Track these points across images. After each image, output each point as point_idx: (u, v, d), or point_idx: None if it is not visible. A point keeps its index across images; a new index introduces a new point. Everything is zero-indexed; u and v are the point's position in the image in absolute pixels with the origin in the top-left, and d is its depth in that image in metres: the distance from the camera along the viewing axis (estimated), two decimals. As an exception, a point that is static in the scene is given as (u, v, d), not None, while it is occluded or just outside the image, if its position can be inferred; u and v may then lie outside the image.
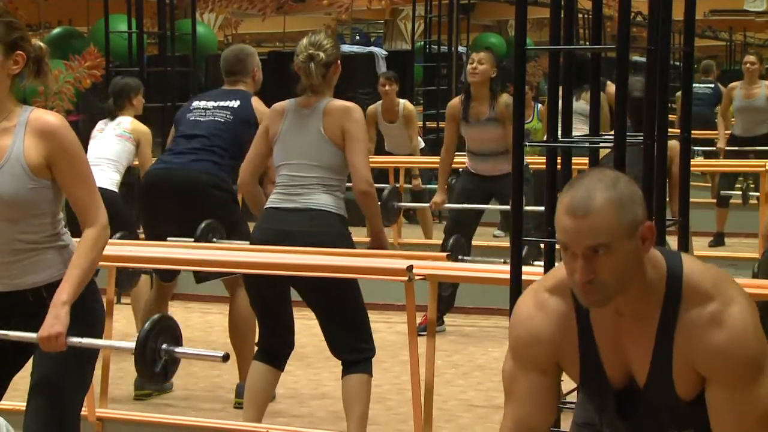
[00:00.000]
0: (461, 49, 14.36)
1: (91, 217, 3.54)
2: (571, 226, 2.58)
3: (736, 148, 10.96)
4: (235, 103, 5.99)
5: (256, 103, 6.00)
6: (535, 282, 2.93)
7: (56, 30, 14.61)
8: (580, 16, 15.09)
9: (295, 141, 4.94)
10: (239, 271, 5.35)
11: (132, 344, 3.61)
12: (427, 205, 9.84)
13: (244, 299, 5.87)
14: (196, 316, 8.09)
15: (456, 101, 7.72)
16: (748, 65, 10.90)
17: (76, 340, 3.48)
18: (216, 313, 7.85)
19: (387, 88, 10.46)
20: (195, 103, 6.18)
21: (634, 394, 2.78)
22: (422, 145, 11.03)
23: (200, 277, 6.08)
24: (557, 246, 2.75)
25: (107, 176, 6.94)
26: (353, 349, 4.90)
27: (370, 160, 5.23)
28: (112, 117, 7.18)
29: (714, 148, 11.45)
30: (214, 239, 5.86)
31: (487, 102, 7.41)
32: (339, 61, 5.02)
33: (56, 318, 3.43)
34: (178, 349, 3.63)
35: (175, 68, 9.76)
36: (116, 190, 6.95)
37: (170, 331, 3.65)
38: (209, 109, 6.04)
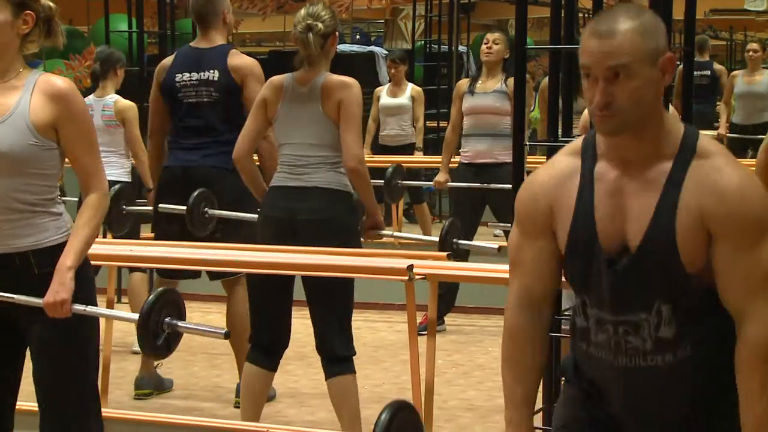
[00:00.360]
0: (462, 48, 14.35)
1: (93, 183, 3.57)
2: (595, 46, 2.61)
3: (735, 135, 10.97)
4: (215, 75, 5.92)
5: (233, 61, 5.91)
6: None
7: (56, 29, 14.60)
8: (581, 15, 15.05)
9: (296, 120, 4.94)
10: (241, 270, 5.34)
11: (136, 315, 3.62)
12: (424, 203, 9.87)
13: (242, 298, 5.86)
14: (197, 315, 8.08)
15: (463, 80, 7.77)
16: (750, 53, 10.97)
17: (80, 307, 3.50)
18: (216, 312, 7.84)
19: (393, 71, 10.50)
20: (178, 76, 6.04)
21: (626, 258, 2.71)
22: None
23: (213, 275, 6.06)
24: None
25: (116, 168, 6.98)
26: (344, 345, 4.91)
27: (366, 160, 5.22)
28: (97, 83, 7.25)
29: (715, 134, 11.40)
30: (207, 209, 5.84)
31: (498, 79, 7.45)
32: (337, 33, 5.00)
33: (62, 284, 3.44)
34: (180, 323, 3.65)
35: (176, 67, 9.74)
36: (129, 181, 6.99)
37: (174, 305, 3.66)
38: (194, 84, 5.97)
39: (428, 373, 4.81)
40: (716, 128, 11.93)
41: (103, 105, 7.18)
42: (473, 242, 6.29)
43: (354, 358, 4.96)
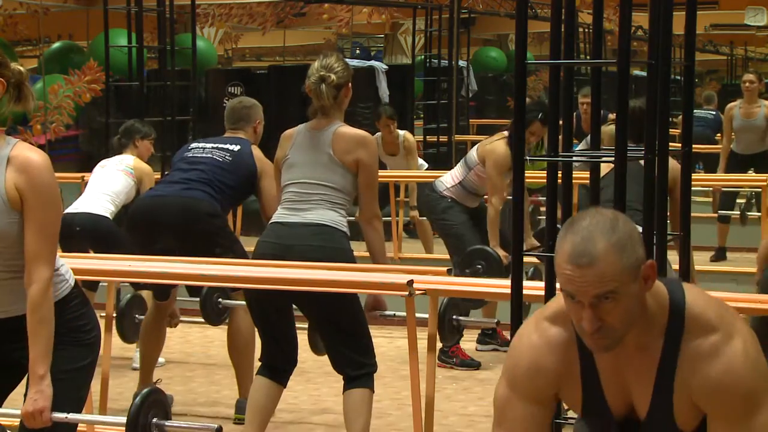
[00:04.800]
0: (461, 63, 14.36)
1: (35, 269, 3.38)
2: (576, 276, 2.56)
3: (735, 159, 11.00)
4: (235, 147, 5.95)
5: (257, 151, 5.97)
6: (536, 311, 2.91)
7: (56, 44, 14.62)
8: (581, 30, 15.12)
9: (304, 161, 4.96)
10: (240, 286, 5.34)
11: (123, 419, 3.59)
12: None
13: (243, 315, 5.86)
14: (196, 330, 8.06)
15: (508, 150, 6.88)
16: (747, 84, 10.87)
17: (61, 415, 3.42)
18: (216, 327, 7.82)
19: (391, 127, 10.29)
20: (193, 145, 6.16)
21: (635, 425, 2.77)
22: (426, 166, 10.92)
23: (193, 292, 6.08)
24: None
25: (102, 205, 6.98)
26: (354, 363, 4.88)
27: None
28: (115, 153, 7.29)
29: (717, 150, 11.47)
30: (220, 299, 5.94)
31: None
32: (350, 84, 5.02)
33: (39, 393, 3.38)
34: (168, 423, 3.62)
35: (175, 82, 9.76)
36: (110, 218, 6.96)
37: (160, 405, 3.63)
38: (207, 148, 6.00)
39: (428, 389, 4.80)
40: (717, 141, 12.04)
41: (122, 158, 7.20)
42: (471, 318, 6.22)
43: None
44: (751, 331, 2.71)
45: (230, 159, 5.91)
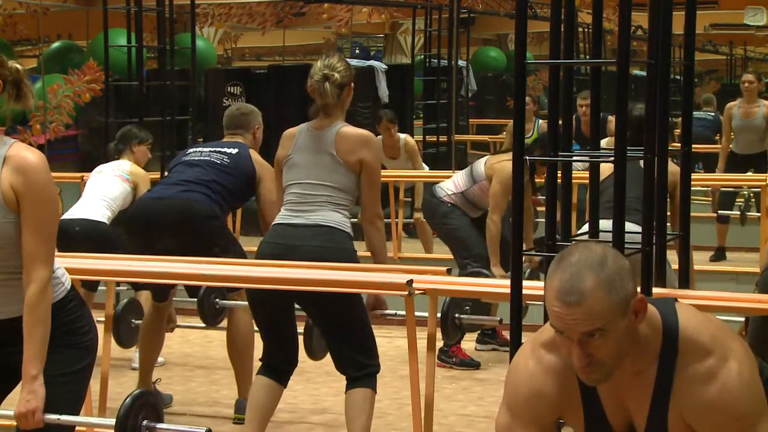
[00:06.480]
0: (461, 63, 14.35)
1: (33, 269, 3.37)
2: (565, 313, 2.57)
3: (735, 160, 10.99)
4: (234, 150, 5.96)
5: (255, 155, 5.98)
6: (530, 336, 2.91)
7: (56, 44, 14.60)
8: (580, 30, 15.10)
9: (307, 161, 4.97)
10: (240, 285, 5.34)
11: (112, 421, 3.57)
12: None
13: (242, 315, 5.87)
14: (196, 330, 8.06)
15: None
16: (746, 84, 10.85)
17: (53, 416, 3.40)
18: (215, 328, 7.82)
19: (392, 131, 10.27)
20: (191, 149, 6.19)
21: None
22: (426, 168, 10.90)
23: (192, 293, 6.07)
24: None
25: (99, 211, 6.96)
26: (357, 364, 4.88)
27: None
28: (112, 159, 7.26)
29: (716, 149, 11.47)
30: (217, 300, 5.93)
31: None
32: (352, 84, 5.04)
33: (32, 393, 3.36)
34: (159, 426, 3.60)
35: (175, 82, 9.75)
36: (107, 222, 6.95)
37: (151, 407, 3.61)
38: (205, 152, 6.02)
39: (428, 389, 4.79)
40: (717, 141, 12.04)
41: (119, 163, 7.18)
42: (474, 317, 6.23)
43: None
44: (746, 349, 2.71)
45: (228, 161, 5.91)
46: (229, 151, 5.96)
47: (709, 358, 2.64)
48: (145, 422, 3.55)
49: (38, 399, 3.37)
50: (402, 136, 10.38)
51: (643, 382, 2.70)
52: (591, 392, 2.76)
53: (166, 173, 6.31)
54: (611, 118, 7.79)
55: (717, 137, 12.66)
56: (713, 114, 13.32)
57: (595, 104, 4.41)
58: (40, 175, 3.38)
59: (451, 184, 7.48)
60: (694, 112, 4.66)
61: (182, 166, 6.02)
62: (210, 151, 6.01)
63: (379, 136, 10.23)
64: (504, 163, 7.17)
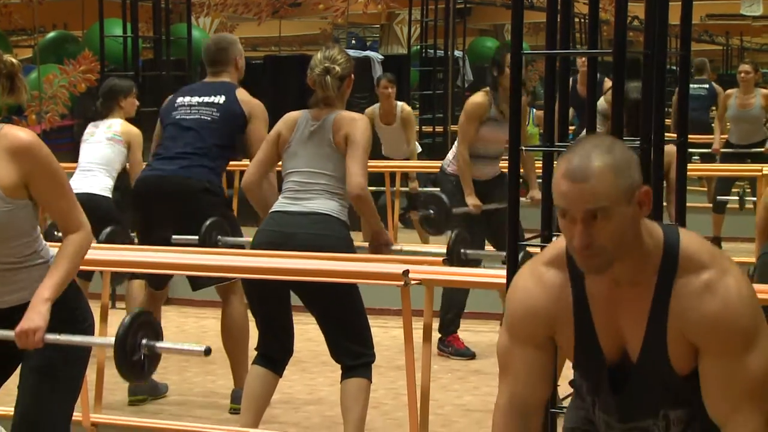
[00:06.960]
0: (457, 53, 14.34)
1: (74, 225, 3.45)
2: (570, 190, 2.59)
3: (731, 150, 10.96)
4: (221, 99, 6.00)
5: (242, 94, 6.04)
6: (533, 256, 2.93)
7: (51, 34, 14.59)
8: (577, 20, 15.09)
9: (306, 151, 5.03)
10: (237, 276, 5.34)
11: (111, 340, 3.55)
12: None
13: (237, 305, 5.88)
14: (191, 321, 8.07)
15: (483, 100, 7.18)
16: (743, 74, 10.83)
17: (52, 336, 3.38)
18: (211, 317, 7.82)
19: (389, 90, 10.41)
20: (179, 99, 6.16)
21: (628, 370, 2.78)
22: (419, 149, 10.96)
23: (197, 284, 6.04)
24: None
25: (100, 182, 6.93)
26: (352, 353, 4.90)
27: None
28: (101, 119, 7.16)
29: (710, 150, 11.45)
30: (219, 237, 5.86)
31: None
32: (352, 75, 5.09)
33: (37, 313, 3.33)
34: (158, 344, 3.59)
35: (171, 72, 9.75)
36: (110, 196, 6.94)
37: (150, 327, 3.60)
38: (194, 105, 6.05)
39: (424, 379, 4.79)
40: (711, 122, 11.99)
41: (110, 123, 7.11)
42: (481, 251, 6.24)
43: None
44: (744, 273, 2.73)
45: (218, 115, 5.97)
46: (216, 100, 6.01)
47: (707, 272, 2.66)
48: (144, 341, 3.55)
49: (43, 319, 3.33)
50: (400, 103, 10.48)
51: (639, 297, 2.70)
52: (583, 311, 2.76)
53: (158, 125, 6.24)
54: (608, 80, 7.76)
55: (712, 109, 12.47)
56: (707, 85, 12.87)
57: (591, 95, 4.42)
58: (41, 149, 3.39)
59: (451, 152, 7.53)
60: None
61: (175, 129, 6.05)
62: (198, 105, 6.03)
63: (377, 105, 10.33)
64: (473, 95, 7.32)
